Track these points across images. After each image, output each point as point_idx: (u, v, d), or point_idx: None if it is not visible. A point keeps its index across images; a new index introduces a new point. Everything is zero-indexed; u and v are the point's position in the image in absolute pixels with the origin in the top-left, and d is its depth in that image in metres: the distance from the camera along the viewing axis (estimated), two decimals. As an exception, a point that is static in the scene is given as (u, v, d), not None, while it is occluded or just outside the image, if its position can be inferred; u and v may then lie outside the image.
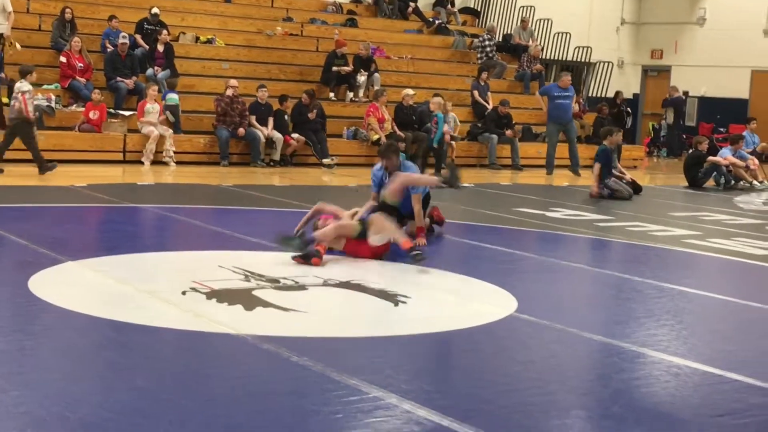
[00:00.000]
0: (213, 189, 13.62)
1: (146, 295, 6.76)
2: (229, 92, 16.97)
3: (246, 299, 6.67)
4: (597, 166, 14.78)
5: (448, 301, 7.32)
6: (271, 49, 20.51)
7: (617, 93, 25.53)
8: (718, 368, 5.62)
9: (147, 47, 18.24)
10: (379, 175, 9.41)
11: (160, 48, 18.05)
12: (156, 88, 16.69)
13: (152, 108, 16.40)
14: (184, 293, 6.77)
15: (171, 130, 16.42)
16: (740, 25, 26.29)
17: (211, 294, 6.78)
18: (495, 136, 19.60)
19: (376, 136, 18.02)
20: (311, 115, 17.44)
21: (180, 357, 5.46)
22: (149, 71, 17.82)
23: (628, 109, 26.07)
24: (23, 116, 13.63)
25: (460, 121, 20.00)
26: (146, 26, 18.63)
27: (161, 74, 17.64)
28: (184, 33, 19.86)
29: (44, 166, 13.83)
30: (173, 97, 17.02)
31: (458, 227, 10.76)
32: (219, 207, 12.02)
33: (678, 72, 28.03)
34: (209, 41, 19.90)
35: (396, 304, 6.86)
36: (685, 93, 27.55)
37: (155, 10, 18.78)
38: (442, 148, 17.60)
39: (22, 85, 13.72)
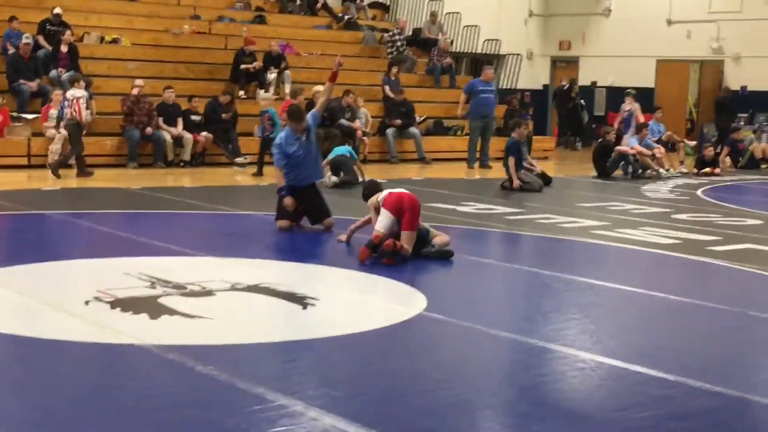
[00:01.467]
0: (121, 192, 13.40)
1: (48, 306, 6.61)
2: (135, 92, 16.72)
3: (151, 307, 6.57)
4: (512, 159, 14.90)
5: (358, 301, 7.29)
6: (179, 47, 20.21)
7: (572, 84, 25.73)
8: (622, 361, 5.69)
9: (50, 48, 17.86)
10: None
11: (64, 49, 17.67)
12: (60, 92, 16.36)
13: (56, 113, 16.09)
14: (87, 303, 6.64)
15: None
16: (644, 16, 26.69)
17: (116, 303, 6.66)
18: (390, 130, 19.59)
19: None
20: (226, 116, 17.25)
21: (82, 371, 5.34)
22: (53, 73, 17.45)
23: (582, 102, 26.25)
24: (76, 120, 14.83)
25: (372, 117, 19.99)
26: (49, 27, 18.24)
27: (65, 76, 17.29)
28: (88, 33, 19.48)
29: (83, 170, 14.84)
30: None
31: (368, 226, 10.71)
32: (127, 211, 11.82)
33: (586, 62, 28.37)
34: (115, 41, 19.55)
35: (304, 307, 6.81)
36: (593, 83, 27.92)
37: (58, 10, 18.38)
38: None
39: (75, 92, 15.04)
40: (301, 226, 10.37)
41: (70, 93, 15.15)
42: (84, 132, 15.39)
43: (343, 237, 9.49)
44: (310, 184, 10.45)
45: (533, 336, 6.22)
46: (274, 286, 7.35)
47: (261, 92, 19.26)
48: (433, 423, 4.64)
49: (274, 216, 10.60)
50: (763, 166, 21.13)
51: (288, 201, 10.22)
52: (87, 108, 15.22)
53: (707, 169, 19.19)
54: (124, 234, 9.87)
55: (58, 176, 14.42)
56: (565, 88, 26.04)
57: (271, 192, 13.57)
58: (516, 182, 14.71)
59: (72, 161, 15.13)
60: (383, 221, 8.78)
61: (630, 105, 20.23)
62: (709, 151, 19.61)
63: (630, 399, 5.10)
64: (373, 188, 9.46)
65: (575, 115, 25.72)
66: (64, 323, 6.21)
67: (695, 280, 8.82)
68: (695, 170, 19.28)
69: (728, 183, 17.71)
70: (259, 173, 15.67)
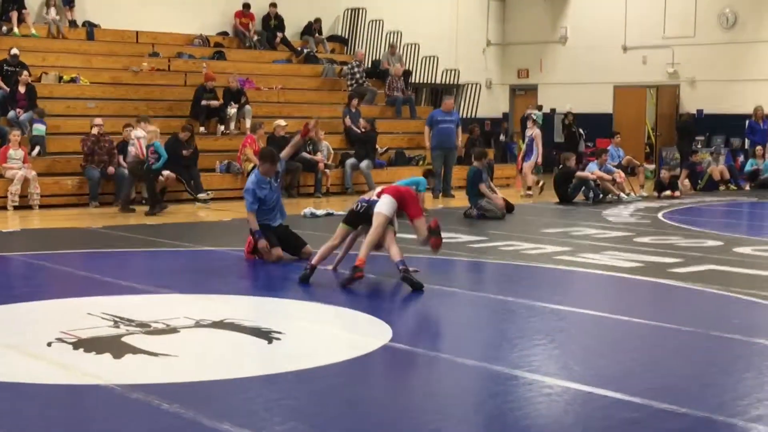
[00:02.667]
0: (82, 232, 13.26)
1: (10, 349, 6.53)
2: (95, 131, 16.64)
3: (115, 347, 6.51)
4: (482, 185, 15.12)
5: (323, 334, 7.27)
6: (138, 85, 20.15)
7: (567, 114, 25.84)
8: (588, 385, 5.70)
9: (7, 89, 17.77)
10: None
11: (22, 89, 17.59)
12: (18, 133, 16.27)
13: (15, 154, 16.00)
14: (49, 344, 6.57)
15: (34, 173, 16.00)
16: (600, 43, 27.00)
17: (79, 343, 6.59)
18: (349, 161, 19.64)
19: (251, 166, 17.90)
20: (187, 153, 17.19)
21: (46, 413, 5.26)
22: (11, 114, 17.35)
23: (581, 130, 26.28)
24: (138, 159, 15.73)
25: (334, 149, 20.05)
26: (6, 67, 18.15)
27: (24, 116, 17.20)
28: (46, 73, 19.37)
29: (157, 206, 15.42)
30: (39, 128, 16.74)
31: (331, 257, 10.71)
32: (89, 251, 11.68)
33: (544, 90, 28.64)
34: (73, 80, 19.46)
35: (270, 341, 6.78)
36: (552, 110, 28.14)
37: (14, 50, 18.29)
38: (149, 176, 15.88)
39: (137, 132, 15.96)
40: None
41: (134, 133, 16.07)
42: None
43: (330, 267, 9.65)
44: (280, 223, 10.67)
45: (499, 363, 6.22)
46: (238, 322, 7.32)
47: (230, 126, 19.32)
48: (401, 454, 4.62)
49: (239, 250, 10.54)
50: (722, 188, 21.35)
51: (262, 244, 10.33)
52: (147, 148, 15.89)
53: (667, 192, 19.35)
54: (86, 273, 9.79)
55: (132, 211, 15.43)
56: (563, 118, 26.11)
57: (234, 228, 13.63)
58: (500, 201, 14.80)
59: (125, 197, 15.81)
60: (387, 204, 9.08)
61: (531, 130, 20.10)
62: (666, 175, 19.77)
63: (597, 423, 5.10)
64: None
65: (572, 142, 25.63)
66: (27, 365, 6.13)
67: (658, 303, 8.84)
68: (655, 194, 19.43)
69: (688, 205, 17.86)
70: (152, 212, 15.28)
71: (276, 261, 10.40)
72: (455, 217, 15.12)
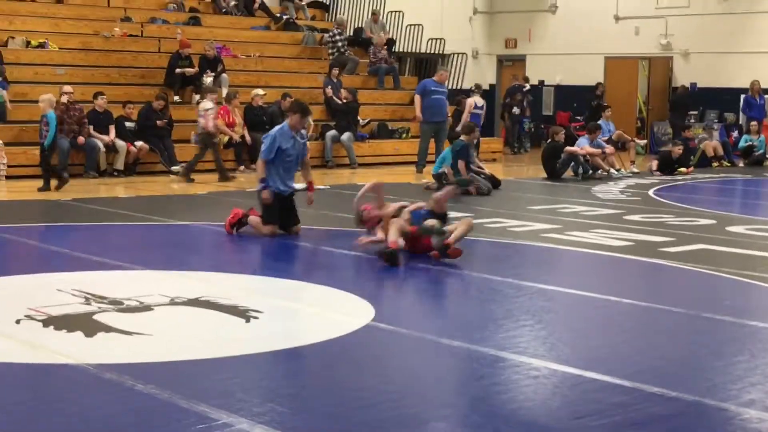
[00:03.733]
0: (51, 204, 12.97)
1: (-24, 327, 6.34)
2: (64, 99, 16.28)
3: (86, 325, 6.35)
4: (461, 163, 14.78)
5: (303, 313, 7.13)
6: (110, 51, 19.66)
7: (598, 84, 25.22)
8: (577, 368, 5.58)
9: (-28, 55, 17.38)
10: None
11: (-13, 54, 17.22)
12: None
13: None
14: (18, 322, 6.40)
15: (1, 142, 15.69)
16: (591, 12, 26.68)
17: (48, 321, 6.43)
18: (330, 134, 19.35)
19: (226, 138, 17.66)
20: (161, 123, 16.94)
21: (14, 393, 5.10)
22: (-24, 80, 16.99)
23: (605, 104, 24.85)
24: (207, 130, 16.00)
25: (314, 120, 19.72)
26: (-31, 32, 17.76)
27: (-7, 82, 16.84)
28: (12, 37, 18.79)
29: (224, 174, 16.02)
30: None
31: (314, 233, 10.55)
32: (58, 224, 11.45)
33: (533, 61, 28.33)
34: (41, 45, 18.94)
35: (247, 320, 6.62)
36: (541, 81, 27.91)
37: (-22, 14, 17.87)
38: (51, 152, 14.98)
39: (206, 104, 16.27)
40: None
41: (202, 105, 16.37)
42: (216, 140, 16.54)
43: (365, 240, 9.39)
44: (290, 193, 10.38)
45: (485, 344, 6.07)
46: (215, 300, 7.14)
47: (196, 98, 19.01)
48: (381, 438, 4.49)
49: (215, 225, 10.32)
50: (715, 164, 21.21)
51: (266, 195, 10.11)
52: (215, 119, 16.44)
53: (683, 169, 19.08)
54: (56, 248, 9.59)
55: (192, 181, 15.70)
56: (597, 92, 25.01)
57: (210, 201, 13.42)
58: (472, 189, 14.52)
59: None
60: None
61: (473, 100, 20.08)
62: (678, 149, 19.45)
63: (586, 407, 4.99)
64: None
65: (596, 115, 24.18)
66: (-5, 344, 5.95)
67: (649, 283, 8.75)
68: (657, 171, 19.11)
69: (680, 182, 17.73)
70: (45, 187, 14.19)
71: (269, 236, 10.13)
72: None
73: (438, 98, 18.28)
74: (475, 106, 20.39)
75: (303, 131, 10.58)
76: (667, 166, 19.24)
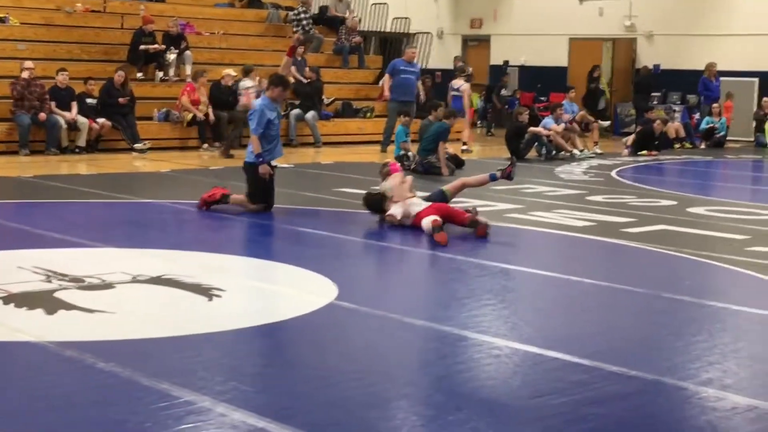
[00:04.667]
0: (12, 181, 12.79)
1: (-64, 304, 6.27)
2: (25, 74, 16.06)
3: (47, 302, 6.29)
4: (442, 145, 14.77)
5: (266, 291, 7.10)
6: (72, 27, 19.36)
7: (594, 67, 24.80)
8: (538, 347, 5.61)
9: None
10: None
11: (-56, 28, 16.95)
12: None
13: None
14: (-22, 300, 6.34)
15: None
16: (557, -7, 26.76)
17: (9, 298, 6.36)
18: (294, 112, 19.26)
19: (190, 116, 17.54)
20: (123, 100, 16.77)
21: (-28, 371, 5.06)
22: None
23: (602, 87, 25.03)
24: (247, 108, 15.27)
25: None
26: (-72, 6, 17.45)
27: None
28: (-27, 12, 18.65)
29: (228, 151, 16.46)
30: None
31: (278, 212, 10.51)
32: (19, 201, 11.32)
33: (498, 41, 28.31)
34: (2, 20, 18.56)
35: (210, 299, 6.59)
36: (506, 62, 27.91)
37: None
38: None
39: (246, 83, 16.99)
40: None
41: (242, 84, 17.08)
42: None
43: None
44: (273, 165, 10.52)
45: (448, 323, 6.09)
46: (178, 278, 7.10)
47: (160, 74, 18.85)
48: (344, 416, 4.51)
49: (179, 203, 10.25)
50: (677, 145, 21.33)
51: (264, 169, 10.19)
52: (256, 98, 16.11)
53: (644, 152, 19.18)
54: (17, 225, 9.45)
55: (231, 157, 15.84)
56: (594, 74, 24.60)
57: (173, 179, 13.33)
58: (446, 170, 14.50)
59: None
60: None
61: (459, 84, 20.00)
62: (659, 125, 19.62)
63: (546, 386, 5.02)
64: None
65: (593, 99, 24.25)
66: (-46, 321, 5.89)
67: (610, 263, 8.78)
68: (631, 147, 19.27)
69: (642, 163, 17.81)
70: None
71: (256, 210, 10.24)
72: (405, 173, 14.80)
73: (407, 77, 17.97)
74: (452, 88, 20.28)
75: (279, 104, 10.74)
76: (649, 141, 19.38)
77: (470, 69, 23.46)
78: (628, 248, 9.06)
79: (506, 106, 25.47)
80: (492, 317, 6.41)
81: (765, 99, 22.37)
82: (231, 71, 18.55)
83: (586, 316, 6.56)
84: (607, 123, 23.37)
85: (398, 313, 6.31)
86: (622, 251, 9.04)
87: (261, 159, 10.19)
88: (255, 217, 10.10)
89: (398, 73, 18.05)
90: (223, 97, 18.09)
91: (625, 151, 19.21)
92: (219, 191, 10.38)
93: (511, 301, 6.95)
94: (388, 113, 18.62)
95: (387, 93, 18.24)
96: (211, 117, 17.66)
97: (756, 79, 23.20)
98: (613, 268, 8.43)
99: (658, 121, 19.83)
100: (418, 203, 9.63)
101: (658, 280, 7.74)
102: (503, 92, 25.75)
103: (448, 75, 27.49)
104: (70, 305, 6.25)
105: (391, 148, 16.93)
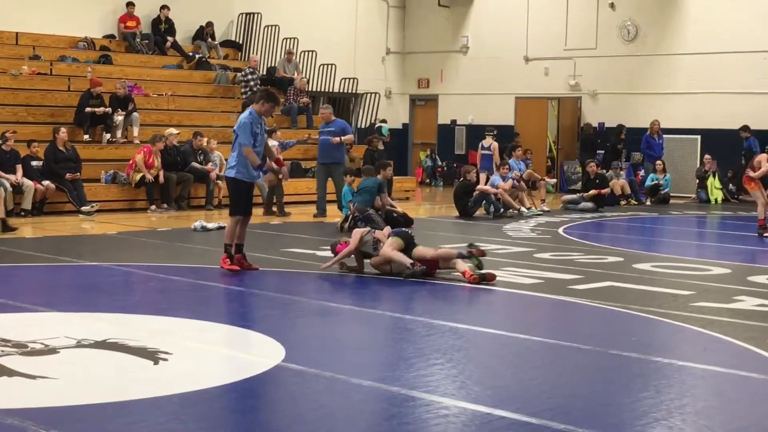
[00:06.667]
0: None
1: None
2: (-30, 137, 15.97)
3: (-12, 369, 6.17)
4: (381, 197, 15.04)
5: (213, 354, 7.01)
6: (18, 90, 19.31)
7: (620, 126, 24.43)
8: (486, 406, 5.59)
9: None
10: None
11: None
12: None
13: None
14: None
15: None
16: (502, 53, 27.11)
17: (-50, 365, 6.23)
18: None
19: (139, 176, 17.46)
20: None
21: None
22: None
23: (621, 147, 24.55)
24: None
25: (226, 160, 19.53)
26: None
27: None
28: None
29: (272, 209, 17.26)
30: None
31: (225, 273, 10.45)
32: (-38, 265, 11.16)
33: (445, 100, 28.64)
34: (-52, 84, 18.64)
35: (156, 362, 6.50)
36: (453, 121, 28.20)
37: None
38: None
39: (272, 142, 16.03)
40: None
41: (270, 143, 16.33)
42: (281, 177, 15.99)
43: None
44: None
45: (396, 383, 6.06)
46: (123, 341, 7.01)
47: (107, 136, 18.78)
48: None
49: (125, 266, 10.12)
50: (623, 202, 21.57)
51: (270, 177, 10.52)
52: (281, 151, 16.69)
53: (623, 202, 20.23)
54: (-42, 289, 9.29)
55: (287, 214, 16.90)
56: (621, 135, 24.30)
57: (121, 242, 13.20)
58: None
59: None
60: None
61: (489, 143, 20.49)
62: (592, 167, 20.18)
63: (495, 446, 4.97)
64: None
65: (616, 156, 23.84)
66: None
67: (558, 320, 8.80)
68: (582, 194, 19.92)
69: (588, 220, 17.96)
70: None
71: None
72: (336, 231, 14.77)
73: (325, 138, 17.06)
74: (482, 147, 20.52)
75: (264, 119, 10.96)
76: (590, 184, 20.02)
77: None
78: (576, 305, 9.10)
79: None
80: (440, 376, 6.38)
81: (707, 156, 22.76)
82: (173, 130, 18.54)
83: (533, 374, 6.55)
84: (553, 181, 23.62)
85: (346, 373, 6.27)
86: (570, 308, 9.07)
87: (265, 168, 10.85)
88: (202, 278, 10.05)
89: (320, 135, 17.44)
90: (171, 158, 18.05)
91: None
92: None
93: (459, 360, 6.93)
94: (316, 176, 18.11)
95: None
96: (161, 179, 17.59)
97: (698, 137, 23.62)
98: (561, 325, 8.45)
99: (591, 164, 20.40)
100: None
101: (605, 337, 7.78)
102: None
103: (396, 134, 27.88)
104: (13, 371, 6.13)
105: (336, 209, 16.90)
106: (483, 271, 10.12)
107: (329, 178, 17.22)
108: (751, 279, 10.80)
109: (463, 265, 10.19)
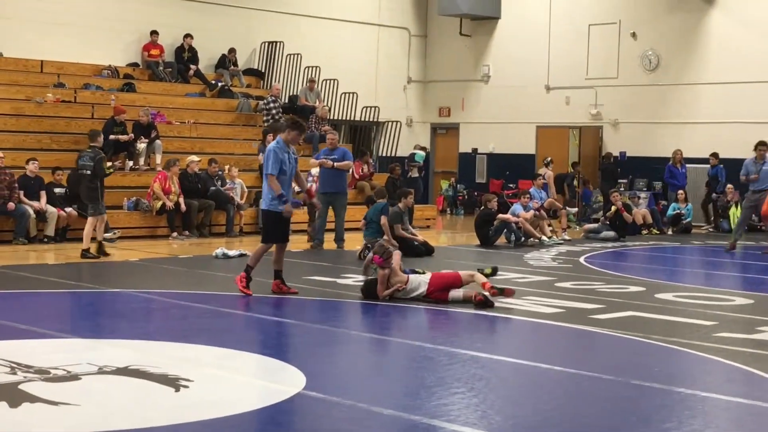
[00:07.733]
0: (-21, 271, 12.70)
1: None
2: (-6, 164, 16.08)
3: (11, 394, 6.18)
4: (398, 227, 15.16)
5: (234, 381, 7.00)
6: (42, 117, 19.46)
7: (607, 153, 25.16)
8: (507, 436, 5.56)
9: None
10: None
11: None
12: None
13: None
14: (-59, 392, 6.22)
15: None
16: (523, 82, 27.13)
17: (-28, 391, 6.25)
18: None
19: (159, 204, 17.54)
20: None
21: (-68, 467, 4.96)
22: None
23: (619, 169, 24.90)
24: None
25: (248, 187, 19.66)
26: None
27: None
28: (-58, 101, 18.67)
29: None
30: None
31: (244, 300, 10.48)
32: (-14, 292, 11.21)
33: (466, 129, 28.67)
34: (-28, 111, 18.76)
35: (177, 389, 6.51)
36: (474, 150, 28.21)
37: None
38: None
39: (315, 170, 17.21)
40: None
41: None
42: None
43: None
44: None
45: (417, 412, 6.04)
46: (144, 368, 7.02)
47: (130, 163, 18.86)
48: None
49: (146, 292, 10.15)
50: (644, 232, 21.48)
51: (288, 209, 10.66)
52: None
53: (645, 232, 20.51)
54: (-17, 316, 9.32)
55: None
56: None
57: (142, 268, 13.26)
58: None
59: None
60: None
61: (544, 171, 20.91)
62: (615, 197, 20.22)
63: (516, 477, 4.96)
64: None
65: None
66: None
67: (579, 350, 8.75)
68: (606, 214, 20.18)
69: (610, 249, 17.89)
70: None
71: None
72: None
73: (322, 166, 16.59)
74: (542, 177, 20.77)
75: (293, 148, 11.00)
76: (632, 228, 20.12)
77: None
78: (597, 335, 9.06)
79: (575, 199, 25.38)
80: (461, 405, 6.36)
81: (729, 186, 22.65)
82: (195, 158, 18.61)
83: (555, 404, 6.52)
84: (574, 210, 23.57)
85: (367, 402, 6.25)
86: (591, 338, 9.03)
87: (285, 199, 10.63)
88: (223, 305, 10.07)
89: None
90: (192, 185, 18.13)
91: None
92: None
93: (480, 389, 6.90)
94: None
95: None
96: (182, 207, 17.67)
97: (721, 166, 23.51)
98: (582, 355, 8.41)
99: (614, 194, 20.42)
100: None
101: (627, 367, 7.72)
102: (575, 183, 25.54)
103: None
104: (35, 398, 6.14)
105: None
106: (502, 286, 10.48)
107: (330, 207, 16.62)
108: (775, 310, 10.74)
109: (482, 278, 10.57)
